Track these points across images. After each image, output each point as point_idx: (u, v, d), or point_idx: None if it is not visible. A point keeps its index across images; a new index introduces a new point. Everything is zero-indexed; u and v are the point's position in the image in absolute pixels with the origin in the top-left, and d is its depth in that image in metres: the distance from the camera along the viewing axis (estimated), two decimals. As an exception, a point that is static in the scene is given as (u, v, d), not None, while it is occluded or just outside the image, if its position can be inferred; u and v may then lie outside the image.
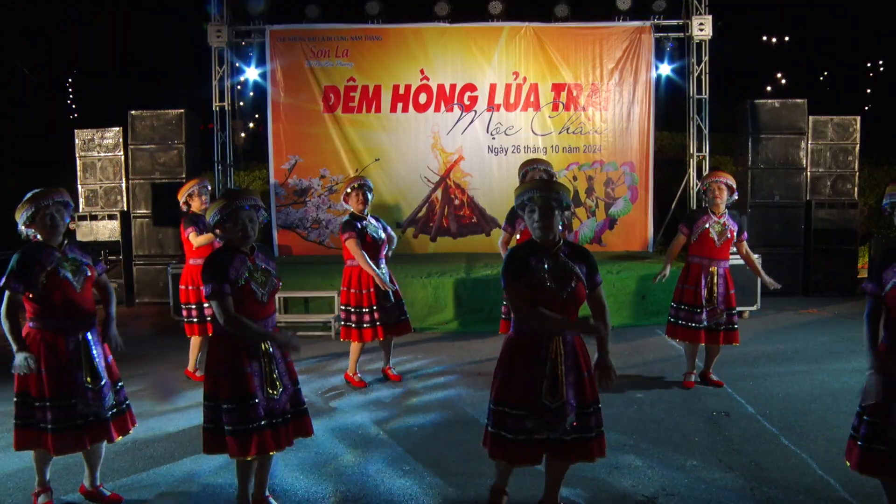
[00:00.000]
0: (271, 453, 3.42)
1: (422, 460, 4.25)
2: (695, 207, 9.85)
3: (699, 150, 9.93)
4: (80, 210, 9.73)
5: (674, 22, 9.83)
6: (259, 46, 10.13)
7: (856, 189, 9.74)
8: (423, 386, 5.88)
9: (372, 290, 5.58)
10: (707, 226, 5.51)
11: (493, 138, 10.06)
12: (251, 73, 10.31)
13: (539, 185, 3.35)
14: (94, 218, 9.78)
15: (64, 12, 15.05)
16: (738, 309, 5.87)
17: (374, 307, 5.59)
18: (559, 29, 9.89)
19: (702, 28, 9.56)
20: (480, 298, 7.93)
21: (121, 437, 3.75)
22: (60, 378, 3.54)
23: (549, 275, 3.18)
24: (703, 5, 9.59)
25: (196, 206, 5.98)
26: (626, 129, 9.97)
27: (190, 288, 5.94)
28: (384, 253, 5.69)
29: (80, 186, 9.82)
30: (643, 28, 9.78)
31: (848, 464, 3.30)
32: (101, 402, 3.60)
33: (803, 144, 9.63)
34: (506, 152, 10.06)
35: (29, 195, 3.69)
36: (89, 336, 3.65)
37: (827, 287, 9.60)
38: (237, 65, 10.27)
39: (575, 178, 9.96)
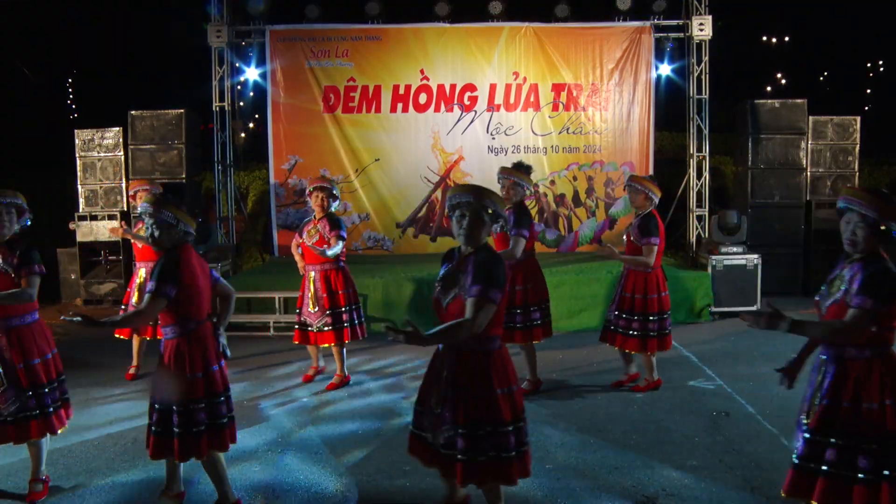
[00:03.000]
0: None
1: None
2: (694, 207, 9.86)
3: (699, 150, 9.93)
4: (80, 210, 9.73)
5: (674, 22, 9.83)
6: (259, 46, 10.13)
7: (856, 189, 9.74)
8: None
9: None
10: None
11: (493, 138, 10.06)
12: (251, 73, 10.31)
13: (470, 191, 3.15)
14: (94, 218, 9.77)
15: (64, 12, 15.05)
16: (738, 309, 5.86)
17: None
18: (559, 29, 9.89)
19: (702, 28, 9.55)
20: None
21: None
22: None
23: (441, 282, 3.13)
24: (703, 5, 9.59)
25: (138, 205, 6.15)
26: (626, 129, 9.97)
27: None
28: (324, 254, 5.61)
29: (80, 186, 9.81)
30: (643, 28, 9.78)
31: None
32: (3, 405, 3.67)
33: (803, 144, 9.63)
34: (506, 152, 10.06)
35: None
36: (2, 339, 3.72)
37: (827, 287, 9.58)
38: (237, 65, 10.27)
39: (575, 179, 9.96)
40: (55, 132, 13.03)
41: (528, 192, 5.56)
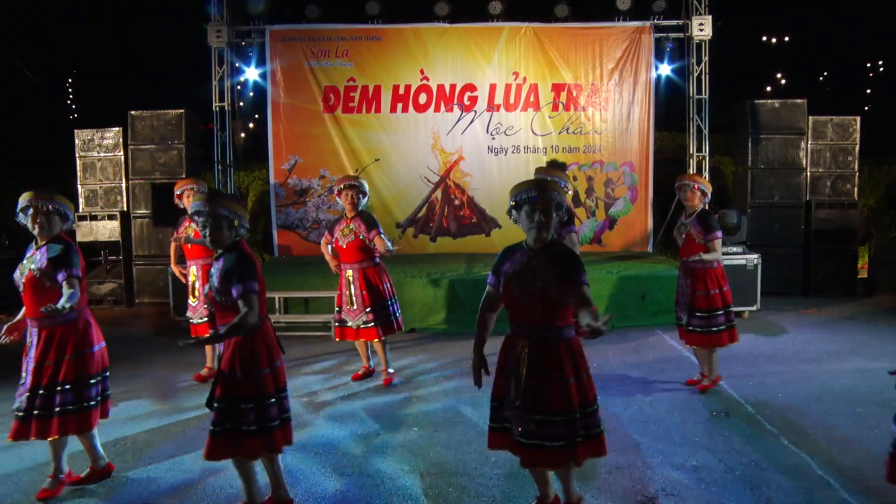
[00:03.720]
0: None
1: (422, 460, 4.26)
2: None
3: (699, 150, 9.93)
4: (80, 210, 9.73)
5: (674, 22, 9.83)
6: (259, 46, 10.13)
7: (856, 189, 9.74)
8: (422, 386, 5.88)
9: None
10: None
11: (493, 138, 10.06)
12: (251, 73, 10.31)
13: (538, 186, 3.24)
14: (94, 218, 9.77)
15: (64, 12, 15.04)
16: (738, 309, 5.86)
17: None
18: (559, 29, 9.89)
19: (702, 28, 9.56)
20: (480, 299, 7.91)
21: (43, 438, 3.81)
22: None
23: (516, 278, 3.18)
24: (703, 5, 9.59)
25: (188, 206, 5.99)
26: (625, 129, 9.97)
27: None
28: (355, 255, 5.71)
29: (80, 186, 9.81)
30: (643, 28, 9.78)
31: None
32: (21, 398, 3.77)
33: (803, 144, 9.63)
34: (506, 152, 10.06)
35: (28, 191, 3.96)
36: (32, 334, 3.85)
37: (827, 287, 9.59)
38: (237, 65, 10.27)
39: (575, 179, 9.95)
40: (55, 132, 13.03)
41: (568, 189, 5.57)
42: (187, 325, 6.20)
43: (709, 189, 5.53)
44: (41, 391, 3.75)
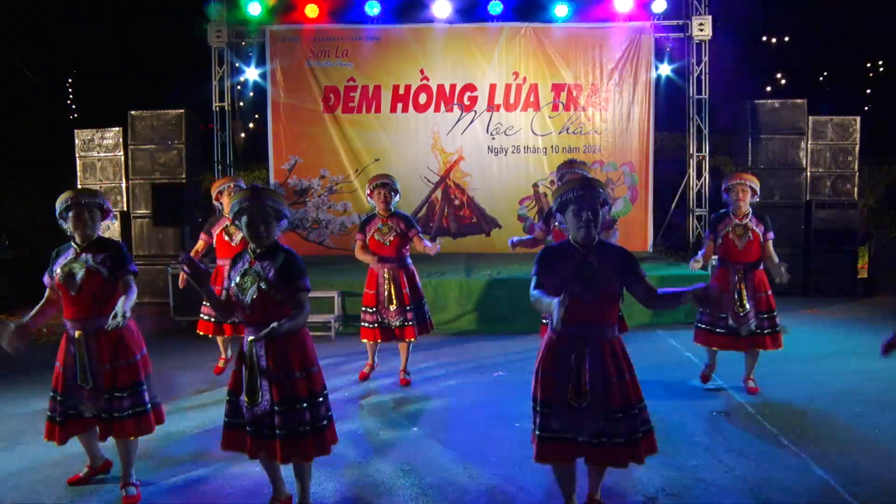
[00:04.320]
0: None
1: (422, 460, 4.25)
2: (694, 207, 9.85)
3: (699, 150, 9.93)
4: (80, 210, 9.72)
5: (674, 22, 9.84)
6: (259, 46, 10.14)
7: (856, 189, 9.74)
8: (423, 386, 5.88)
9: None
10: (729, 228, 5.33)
11: (493, 138, 10.06)
12: (251, 74, 10.32)
13: (583, 184, 3.24)
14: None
15: (64, 12, 15.03)
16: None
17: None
18: (559, 29, 9.90)
19: (702, 28, 9.56)
20: (481, 299, 7.93)
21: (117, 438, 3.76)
22: (64, 374, 3.73)
23: (575, 277, 3.13)
24: (703, 5, 9.59)
25: (227, 207, 5.95)
26: (625, 129, 9.97)
27: (216, 288, 5.92)
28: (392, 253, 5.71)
29: (80, 187, 9.81)
30: (643, 28, 9.78)
31: None
32: (87, 404, 3.68)
33: (803, 145, 9.63)
34: (506, 152, 10.07)
35: (70, 190, 3.87)
36: (90, 339, 3.69)
37: (827, 287, 9.59)
38: (237, 65, 10.28)
39: (575, 179, 9.95)
40: (55, 132, 13.02)
41: None
42: (187, 325, 6.19)
43: (758, 185, 5.32)
44: (106, 395, 3.69)
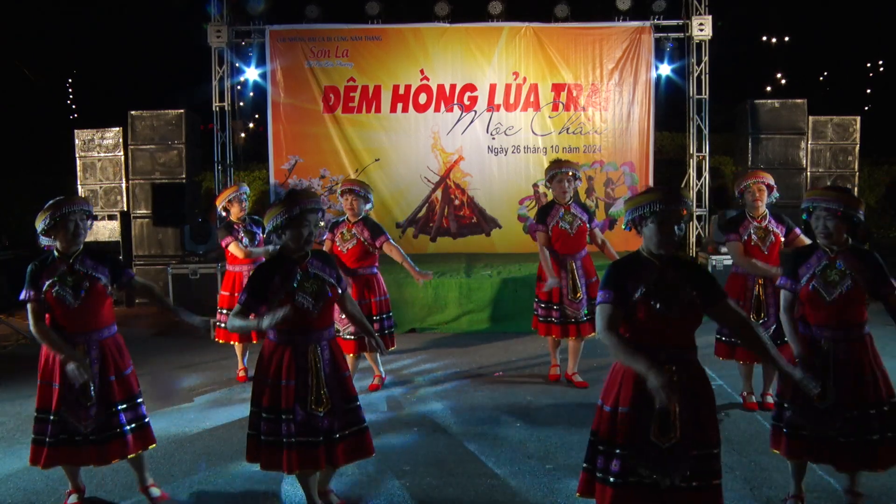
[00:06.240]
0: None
1: (421, 461, 4.26)
2: (694, 207, 9.85)
3: (699, 150, 9.93)
4: (80, 210, 9.72)
5: (674, 22, 9.83)
6: (259, 46, 10.13)
7: (856, 189, 9.73)
8: (422, 386, 5.88)
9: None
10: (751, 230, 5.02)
11: (493, 138, 10.06)
12: (251, 74, 10.31)
13: (665, 196, 2.89)
14: (94, 218, 9.76)
15: (64, 13, 15.05)
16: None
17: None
18: (559, 29, 9.89)
19: (702, 28, 9.56)
20: (481, 299, 7.93)
21: (117, 460, 3.64)
22: (60, 391, 3.52)
23: (654, 292, 2.78)
24: (703, 5, 9.59)
25: (235, 213, 5.94)
26: (625, 129, 9.97)
27: (227, 294, 5.90)
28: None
29: (79, 187, 9.80)
30: (643, 28, 9.78)
31: (776, 451, 3.55)
32: (87, 421, 3.51)
33: (803, 144, 9.63)
34: (506, 152, 10.06)
35: (50, 202, 3.61)
36: (93, 353, 3.58)
37: (827, 287, 9.57)
38: (237, 65, 10.27)
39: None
40: (55, 132, 13.02)
41: (579, 179, 5.82)
42: (186, 327, 6.16)
43: (773, 181, 5.08)
44: (112, 410, 3.59)
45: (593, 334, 5.58)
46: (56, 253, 3.61)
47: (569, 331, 5.59)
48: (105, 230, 9.78)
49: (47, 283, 3.53)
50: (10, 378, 6.18)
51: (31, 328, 3.54)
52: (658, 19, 9.77)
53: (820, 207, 3.42)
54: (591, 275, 5.68)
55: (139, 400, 3.72)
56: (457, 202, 10.17)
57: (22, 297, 3.59)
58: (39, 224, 3.57)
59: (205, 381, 6.03)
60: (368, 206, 5.57)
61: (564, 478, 3.98)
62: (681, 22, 9.80)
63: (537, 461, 4.22)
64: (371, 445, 3.50)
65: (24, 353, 7.10)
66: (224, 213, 6.02)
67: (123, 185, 9.82)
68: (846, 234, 3.46)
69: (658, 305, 2.75)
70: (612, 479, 2.74)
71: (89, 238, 10.32)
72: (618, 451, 2.75)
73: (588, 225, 5.65)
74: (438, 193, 10.14)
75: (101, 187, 9.84)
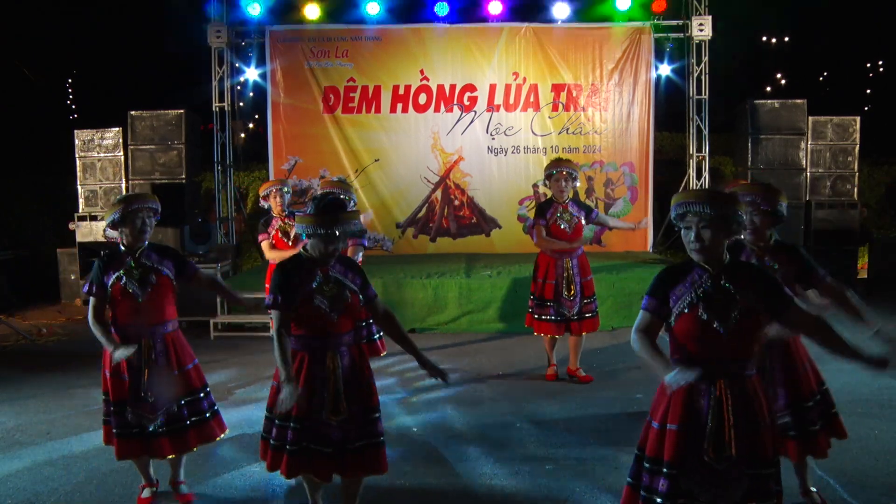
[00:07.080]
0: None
1: (421, 461, 4.25)
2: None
3: (699, 150, 9.94)
4: (80, 210, 9.72)
5: (674, 22, 9.84)
6: (259, 47, 10.14)
7: (855, 189, 9.74)
8: (422, 387, 5.87)
9: None
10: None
11: (493, 139, 10.06)
12: (251, 74, 10.32)
13: (706, 198, 2.63)
14: (93, 218, 9.76)
15: (64, 13, 15.04)
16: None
17: None
18: (559, 29, 9.90)
19: (702, 28, 9.56)
20: (481, 299, 7.93)
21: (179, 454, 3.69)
22: (120, 385, 3.55)
23: (703, 303, 2.58)
24: (703, 5, 9.59)
25: (275, 208, 5.95)
26: (625, 129, 9.98)
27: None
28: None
29: (79, 187, 9.80)
30: (643, 28, 9.78)
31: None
32: (152, 415, 3.53)
33: (803, 145, 9.63)
34: (505, 153, 10.07)
35: (120, 197, 3.71)
36: (158, 346, 3.60)
37: (827, 287, 9.57)
38: (237, 65, 10.28)
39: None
40: (55, 132, 13.02)
41: (577, 179, 5.87)
42: (187, 325, 6.19)
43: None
44: (178, 404, 3.60)
45: (587, 334, 5.75)
46: (122, 247, 3.66)
47: (564, 328, 5.66)
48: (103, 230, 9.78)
49: (114, 276, 3.58)
50: (11, 378, 6.17)
51: (90, 320, 3.60)
52: (658, 19, 9.78)
53: (744, 202, 3.23)
54: (586, 273, 5.73)
55: (201, 395, 3.70)
56: (457, 202, 10.17)
57: (85, 290, 3.67)
58: (108, 217, 3.62)
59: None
60: (351, 205, 5.58)
61: (564, 477, 3.98)
62: (681, 22, 9.81)
63: (537, 461, 4.22)
64: (385, 461, 3.29)
65: (24, 352, 7.11)
66: (265, 205, 6.06)
67: (123, 186, 9.82)
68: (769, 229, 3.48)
69: (706, 316, 2.57)
70: (659, 500, 2.60)
71: (89, 237, 10.34)
72: (665, 469, 2.60)
73: (584, 223, 5.71)
74: (438, 194, 10.14)
75: (100, 187, 9.84)
